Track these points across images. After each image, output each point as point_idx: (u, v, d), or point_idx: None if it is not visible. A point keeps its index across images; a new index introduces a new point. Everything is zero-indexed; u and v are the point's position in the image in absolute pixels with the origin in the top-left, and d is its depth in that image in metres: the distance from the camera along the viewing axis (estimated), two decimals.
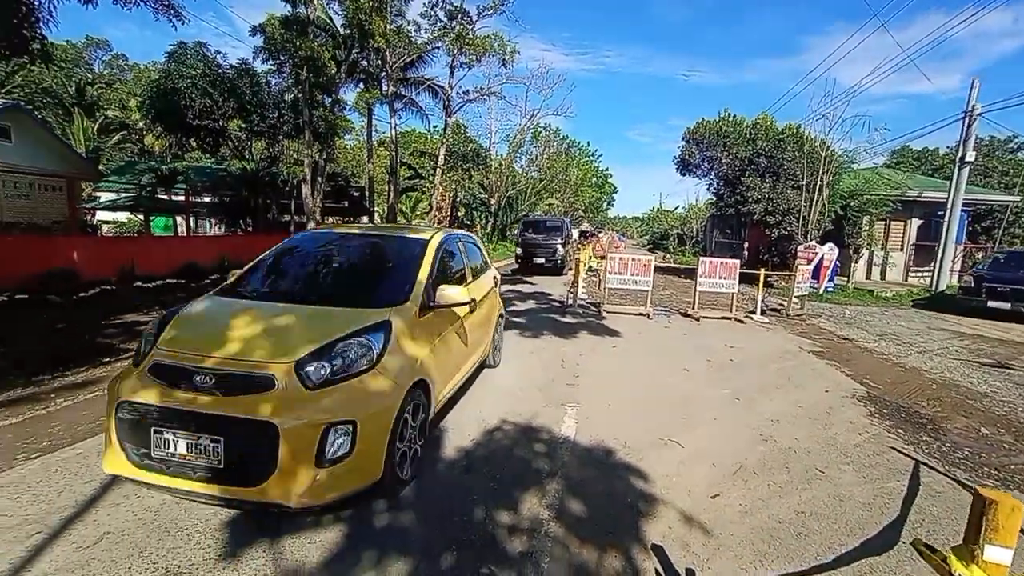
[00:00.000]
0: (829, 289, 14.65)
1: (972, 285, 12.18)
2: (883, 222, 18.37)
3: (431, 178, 24.47)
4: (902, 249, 18.95)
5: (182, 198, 20.71)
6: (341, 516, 2.72)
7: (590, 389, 5.15)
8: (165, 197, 20.07)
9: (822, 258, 14.20)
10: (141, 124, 25.57)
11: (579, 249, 21.39)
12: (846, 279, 16.28)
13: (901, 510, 3.13)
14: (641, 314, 9.63)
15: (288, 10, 16.81)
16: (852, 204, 16.51)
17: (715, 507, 3.06)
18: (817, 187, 15.63)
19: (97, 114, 26.61)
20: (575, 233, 30.78)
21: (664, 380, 5.67)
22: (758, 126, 19.07)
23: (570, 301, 10.34)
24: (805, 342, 8.21)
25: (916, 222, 18.83)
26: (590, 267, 14.69)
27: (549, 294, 12.03)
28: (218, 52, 19.44)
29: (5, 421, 3.85)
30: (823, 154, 15.50)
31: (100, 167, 20.68)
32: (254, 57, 17.90)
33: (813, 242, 15.17)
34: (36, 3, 7.32)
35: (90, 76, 35.06)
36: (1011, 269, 11.96)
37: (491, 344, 5.30)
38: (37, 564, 2.28)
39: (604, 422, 4.26)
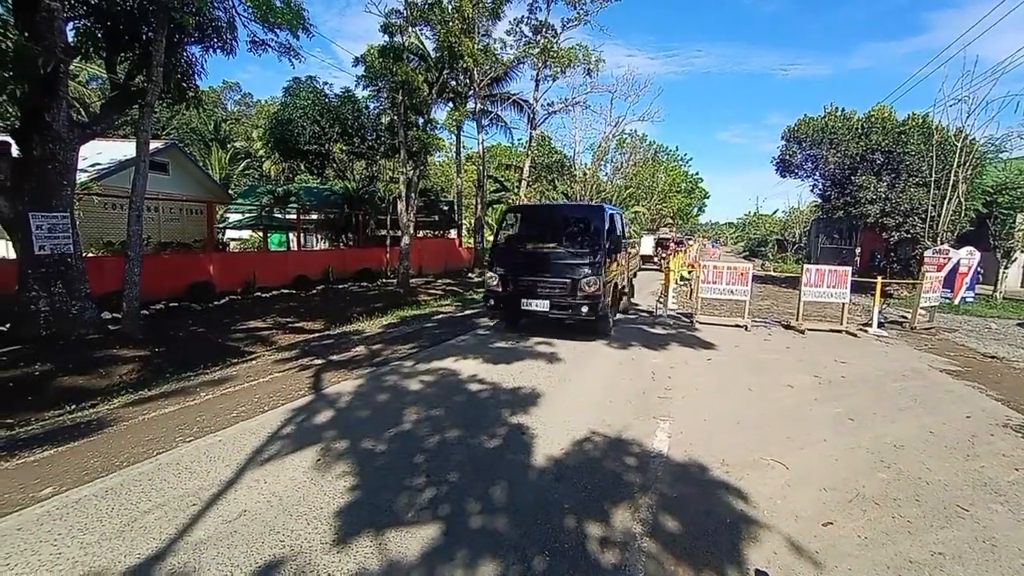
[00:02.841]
0: (968, 299, 12.67)
1: None
2: None
3: (516, 190, 25.00)
4: None
5: (294, 216, 23.17)
6: (440, 514, 2.88)
7: (683, 403, 4.95)
8: (280, 216, 22.54)
9: (958, 264, 12.36)
10: (261, 152, 29.05)
11: (664, 258, 20.43)
12: (992, 288, 13.99)
13: None
14: (738, 326, 9.04)
15: (386, 39, 18.28)
16: (1000, 200, 14.20)
17: (828, 536, 2.80)
18: (951, 183, 13.67)
19: (228, 146, 30.75)
20: (647, 242, 25.70)
21: (765, 396, 5.28)
22: (872, 118, 17.16)
23: (659, 311, 9.99)
24: (936, 359, 7.19)
25: None
26: (681, 276, 14.08)
27: (637, 303, 11.71)
28: (325, 83, 21.62)
29: (166, 409, 4.58)
30: (959, 144, 13.54)
31: (229, 191, 23.79)
32: (356, 85, 19.65)
33: (945, 246, 13.26)
34: (194, 60, 8.87)
35: (224, 114, 40.60)
36: None
37: None
38: (195, 531, 2.69)
39: (699, 438, 4.07)
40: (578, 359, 6.54)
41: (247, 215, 23.40)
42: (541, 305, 7.31)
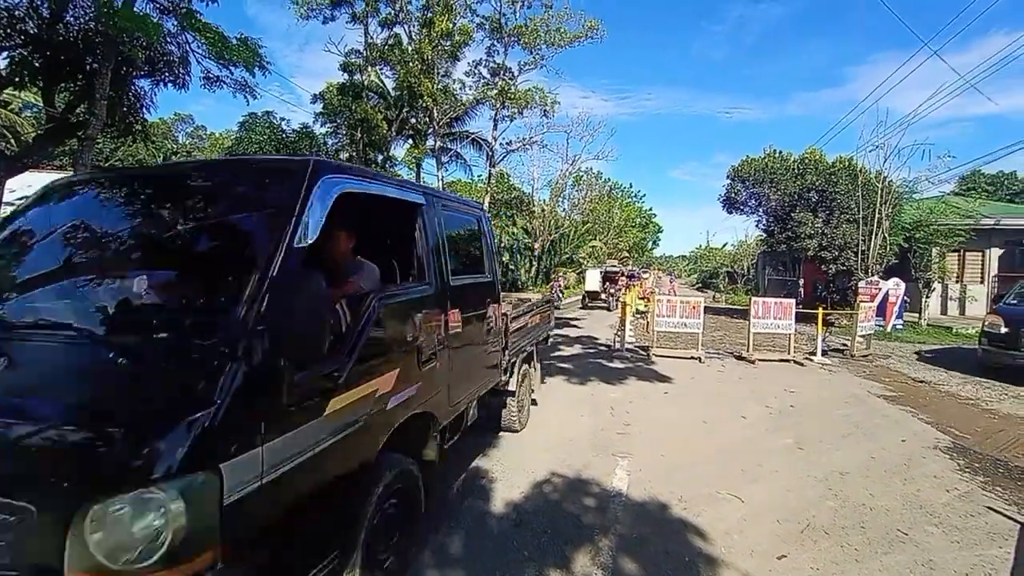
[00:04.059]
0: (898, 327, 13.63)
1: (1003, 331, 8.00)
2: (956, 253, 17.13)
3: None
4: (982, 281, 17.50)
5: None
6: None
7: (641, 439, 4.99)
8: None
9: (887, 294, 13.33)
10: None
11: (612, 295, 20.46)
12: (917, 315, 15.12)
13: None
14: (692, 357, 9.31)
15: (345, 77, 18.50)
16: (917, 236, 15.57)
17: (782, 569, 2.84)
18: (876, 220, 14.90)
19: None
20: (592, 276, 21.98)
21: (720, 428, 5.41)
22: (806, 160, 18.61)
23: (617, 345, 10.16)
24: (874, 385, 7.62)
25: (996, 251, 17.45)
26: (637, 310, 14.45)
27: (596, 338, 11.88)
28: (283, 119, 21.48)
29: None
30: (879, 186, 14.86)
31: None
32: (314, 121, 19.66)
33: (875, 277, 14.32)
34: (143, 94, 8.65)
35: (175, 147, 39.32)
36: None
37: None
38: None
39: (657, 474, 4.09)
40: (537, 397, 6.50)
41: None
42: None
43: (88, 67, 7.78)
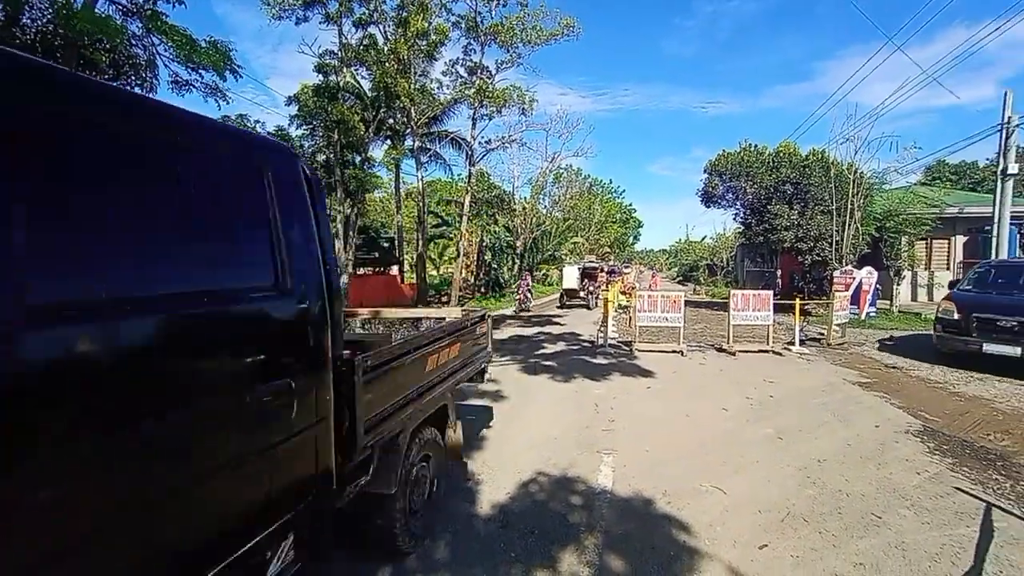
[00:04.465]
0: (871, 314, 14.05)
1: (955, 317, 7.95)
2: (924, 241, 17.72)
3: (457, 225, 25.13)
4: (948, 268, 18.14)
5: None
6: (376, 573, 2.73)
7: (626, 434, 5.05)
8: None
9: (860, 282, 13.71)
10: None
11: (591, 292, 20.13)
12: (889, 303, 15.59)
13: (975, 560, 2.90)
14: (674, 351, 9.44)
15: (320, 79, 18.21)
16: (888, 225, 16.07)
17: (764, 558, 2.91)
18: (848, 211, 15.31)
19: None
20: (570, 273, 21.16)
21: (702, 421, 5.50)
22: (781, 154, 19.01)
23: (600, 341, 10.25)
24: (849, 373, 7.84)
25: (960, 239, 18.14)
26: (620, 305, 14.59)
27: (579, 334, 11.97)
28: (257, 121, 21.06)
29: None
30: (851, 177, 15.27)
31: None
32: (289, 124, 19.35)
33: (849, 267, 14.72)
34: None
35: None
36: (1008, 288, 8.03)
37: None
38: None
39: (642, 470, 4.15)
40: (522, 395, 6.53)
41: None
42: None
43: None
